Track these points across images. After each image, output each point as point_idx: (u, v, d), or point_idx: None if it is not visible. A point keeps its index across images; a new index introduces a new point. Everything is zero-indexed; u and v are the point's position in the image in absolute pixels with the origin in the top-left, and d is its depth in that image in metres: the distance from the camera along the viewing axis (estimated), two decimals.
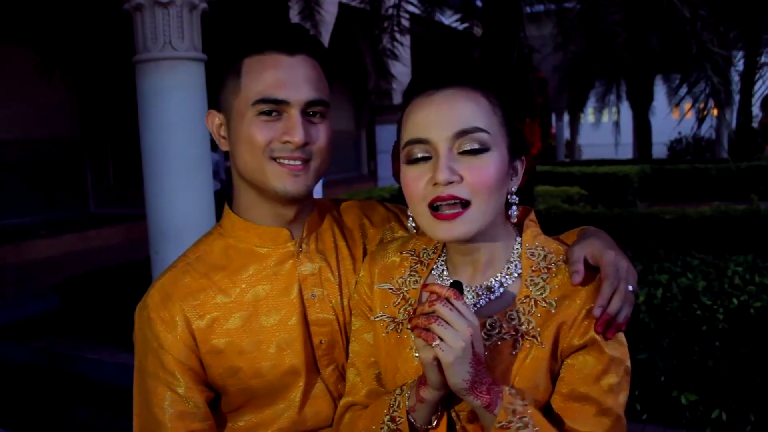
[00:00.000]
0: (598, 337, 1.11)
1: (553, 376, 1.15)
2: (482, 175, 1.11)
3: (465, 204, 1.12)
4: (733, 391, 3.55)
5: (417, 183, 1.14)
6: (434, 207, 1.13)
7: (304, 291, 1.38)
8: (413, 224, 1.25)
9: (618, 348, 1.14)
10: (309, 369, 1.36)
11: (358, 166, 21.73)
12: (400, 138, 1.20)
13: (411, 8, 9.70)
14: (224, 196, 1.48)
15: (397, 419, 1.16)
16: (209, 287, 1.35)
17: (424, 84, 1.17)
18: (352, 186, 15.53)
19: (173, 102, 4.17)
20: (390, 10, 9.08)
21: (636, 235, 7.04)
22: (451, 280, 1.18)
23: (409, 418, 1.15)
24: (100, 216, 13.12)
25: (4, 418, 4.59)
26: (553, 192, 10.53)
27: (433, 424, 1.15)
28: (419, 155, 1.14)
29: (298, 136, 1.27)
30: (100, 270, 6.12)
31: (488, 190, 1.12)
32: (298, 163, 1.30)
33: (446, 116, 1.13)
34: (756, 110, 17.64)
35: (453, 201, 1.11)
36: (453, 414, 1.19)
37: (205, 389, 1.34)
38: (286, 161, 1.29)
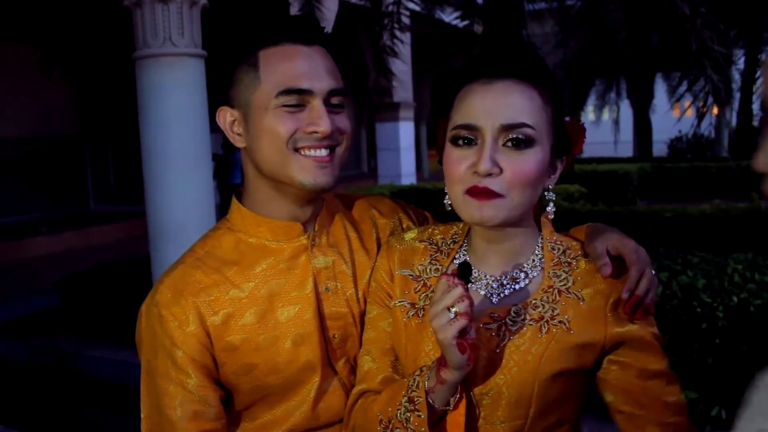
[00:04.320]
0: (636, 328, 1.19)
1: (583, 367, 1.18)
2: (522, 170, 1.14)
3: (497, 196, 1.15)
4: (732, 389, 3.55)
5: (458, 166, 1.17)
6: (467, 191, 1.16)
7: (319, 285, 1.36)
8: (449, 201, 1.27)
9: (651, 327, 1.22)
10: (324, 364, 1.35)
11: (359, 164, 21.72)
12: (449, 116, 1.22)
13: (411, 5, 9.69)
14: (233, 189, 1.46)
15: (416, 399, 1.16)
16: (222, 282, 1.32)
17: (483, 70, 1.18)
18: (352, 183, 15.52)
19: (173, 98, 4.17)
20: (390, 7, 9.06)
21: (636, 233, 6.96)
22: (460, 262, 1.19)
23: (428, 398, 1.15)
24: (100, 213, 13.13)
25: (4, 416, 4.59)
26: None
27: (451, 406, 1.15)
28: (465, 138, 1.17)
29: (324, 126, 1.25)
30: (100, 267, 6.11)
31: (524, 185, 1.15)
32: (324, 153, 1.28)
33: (498, 107, 1.15)
34: (756, 108, 17.62)
35: (487, 193, 1.15)
36: (473, 396, 1.20)
37: (218, 387, 1.32)
38: (312, 152, 1.28)
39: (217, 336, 1.30)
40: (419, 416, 1.15)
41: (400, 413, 1.17)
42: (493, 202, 1.15)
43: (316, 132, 1.26)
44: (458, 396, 1.14)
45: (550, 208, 1.25)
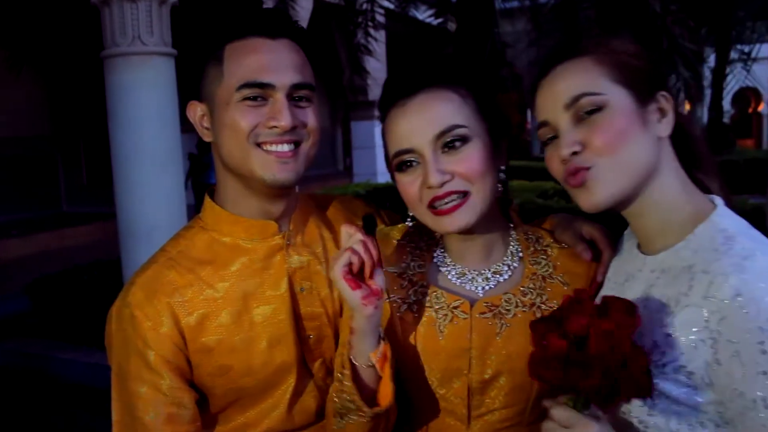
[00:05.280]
0: None
1: None
2: (471, 165, 1.18)
3: (464, 194, 1.18)
4: None
5: (411, 187, 1.21)
6: (432, 206, 1.20)
7: (294, 285, 1.35)
8: (411, 222, 1.33)
9: None
10: (299, 365, 1.34)
11: (334, 163, 21.66)
12: (386, 149, 1.27)
13: (386, 3, 9.67)
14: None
15: (344, 359, 1.20)
16: (196, 283, 1.31)
17: (395, 94, 1.23)
18: (328, 182, 15.46)
19: (143, 97, 4.13)
20: (364, 5, 9.04)
21: (608, 228, 7.07)
22: (366, 217, 1.25)
23: (350, 356, 1.18)
24: (73, 215, 12.94)
25: None
26: (527, 187, 10.55)
27: (374, 363, 1.17)
28: (407, 163, 1.21)
29: (285, 120, 1.24)
30: (71, 269, 6.04)
31: (481, 176, 1.19)
32: (286, 149, 1.27)
33: (423, 122, 1.19)
34: (727, 105, 17.86)
35: (450, 197, 1.18)
36: (471, 385, 1.24)
37: (192, 389, 1.30)
38: (273, 147, 1.26)
39: (191, 337, 1.28)
40: (346, 373, 1.18)
41: (337, 378, 1.21)
42: (461, 209, 1.18)
43: (276, 127, 1.25)
44: (379, 354, 1.17)
45: (499, 187, 1.28)
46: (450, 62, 1.27)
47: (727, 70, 15.59)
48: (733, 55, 15.69)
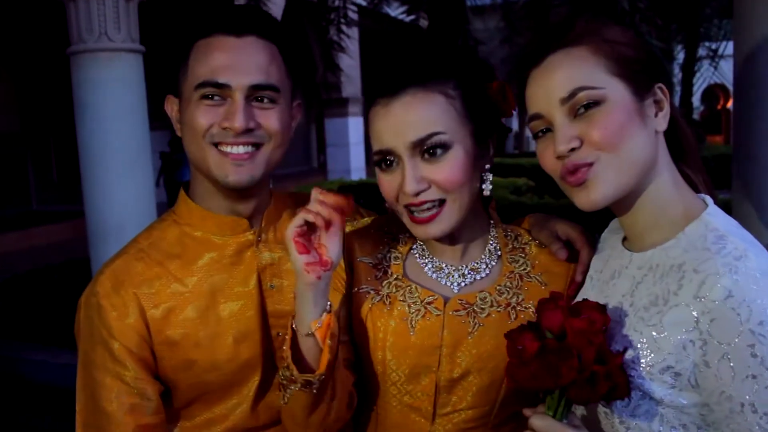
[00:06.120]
0: None
1: None
2: (449, 175, 1.15)
3: (441, 202, 1.16)
4: None
5: (390, 186, 1.20)
6: (410, 209, 1.18)
7: (263, 281, 1.35)
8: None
9: None
10: (266, 362, 1.34)
11: (308, 160, 21.58)
12: (371, 140, 1.24)
13: (358, 0, 9.68)
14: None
15: (288, 327, 1.18)
16: (164, 275, 1.31)
17: (378, 92, 1.19)
18: (302, 180, 15.39)
19: (110, 94, 4.07)
20: (336, 2, 9.05)
21: (582, 224, 7.13)
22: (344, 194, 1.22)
23: (292, 325, 1.16)
24: (43, 213, 12.75)
25: None
26: (500, 183, 10.56)
27: (314, 331, 1.13)
28: (387, 161, 1.19)
29: (238, 122, 1.23)
30: (42, 269, 5.97)
31: (458, 186, 1.16)
32: (242, 150, 1.26)
33: (402, 126, 1.15)
34: (697, 102, 18.06)
35: (425, 205, 1.16)
36: (439, 383, 1.23)
37: (157, 381, 1.30)
38: (229, 148, 1.26)
39: (156, 329, 1.29)
40: (286, 339, 1.16)
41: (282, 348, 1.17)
42: (436, 219, 1.17)
43: (229, 128, 1.24)
44: (320, 324, 1.13)
45: (487, 185, 1.26)
46: (440, 55, 1.22)
47: (696, 67, 15.78)
48: (701, 52, 15.88)
